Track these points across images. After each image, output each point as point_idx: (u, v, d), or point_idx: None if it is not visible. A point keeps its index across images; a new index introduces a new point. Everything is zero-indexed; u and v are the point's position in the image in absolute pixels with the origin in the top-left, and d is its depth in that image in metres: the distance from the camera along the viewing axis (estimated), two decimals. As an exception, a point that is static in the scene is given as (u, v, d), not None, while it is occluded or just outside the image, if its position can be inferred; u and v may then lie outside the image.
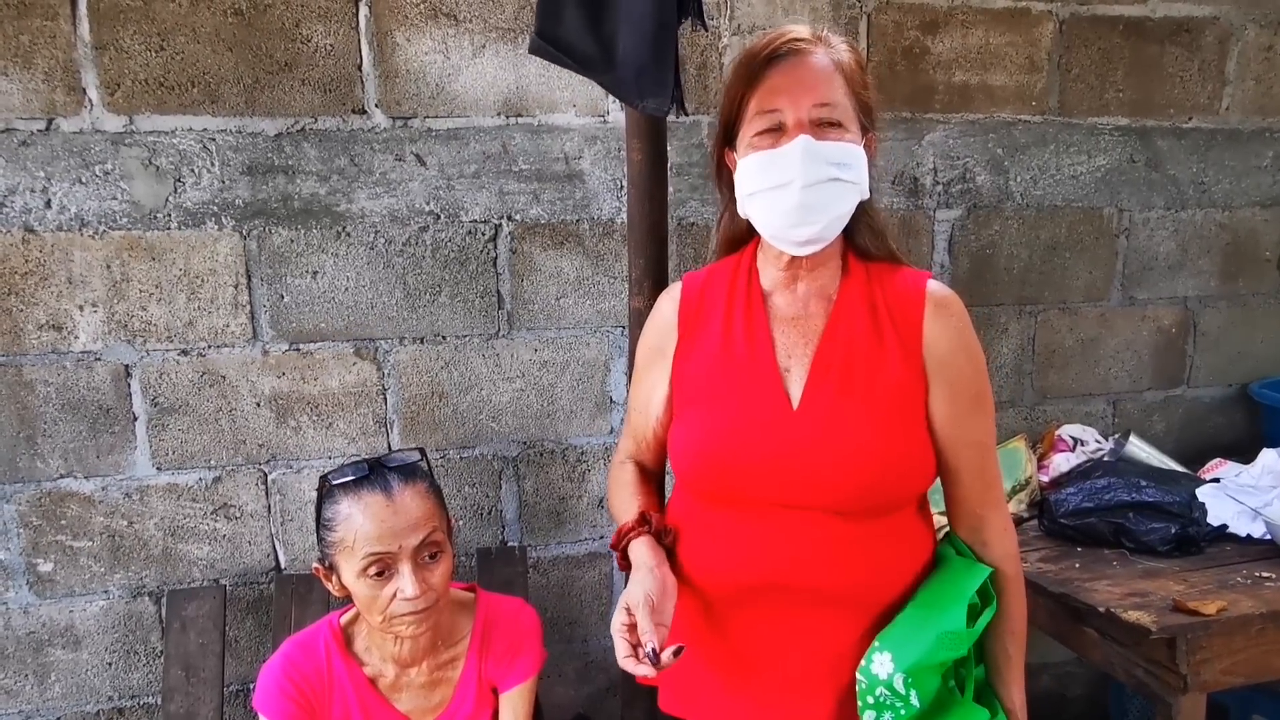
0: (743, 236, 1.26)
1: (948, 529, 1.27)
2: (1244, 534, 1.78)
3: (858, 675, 1.13)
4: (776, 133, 1.10)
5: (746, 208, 1.17)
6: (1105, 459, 2.05)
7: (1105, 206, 2.22)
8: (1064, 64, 2.12)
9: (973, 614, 1.14)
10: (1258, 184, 2.31)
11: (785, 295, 1.20)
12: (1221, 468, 2.08)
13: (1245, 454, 2.11)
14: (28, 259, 1.65)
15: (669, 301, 1.28)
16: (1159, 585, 1.60)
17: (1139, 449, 2.09)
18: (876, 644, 1.13)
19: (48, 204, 1.64)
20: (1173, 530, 1.72)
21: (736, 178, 1.17)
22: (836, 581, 1.13)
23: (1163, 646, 1.49)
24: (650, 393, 1.27)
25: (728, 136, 1.19)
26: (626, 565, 1.19)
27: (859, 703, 1.13)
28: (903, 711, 1.10)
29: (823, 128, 1.09)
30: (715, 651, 1.22)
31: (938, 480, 1.21)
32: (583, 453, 2.00)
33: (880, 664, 1.11)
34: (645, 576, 1.12)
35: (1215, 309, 2.36)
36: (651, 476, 1.36)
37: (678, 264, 1.90)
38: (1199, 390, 2.40)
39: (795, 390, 1.15)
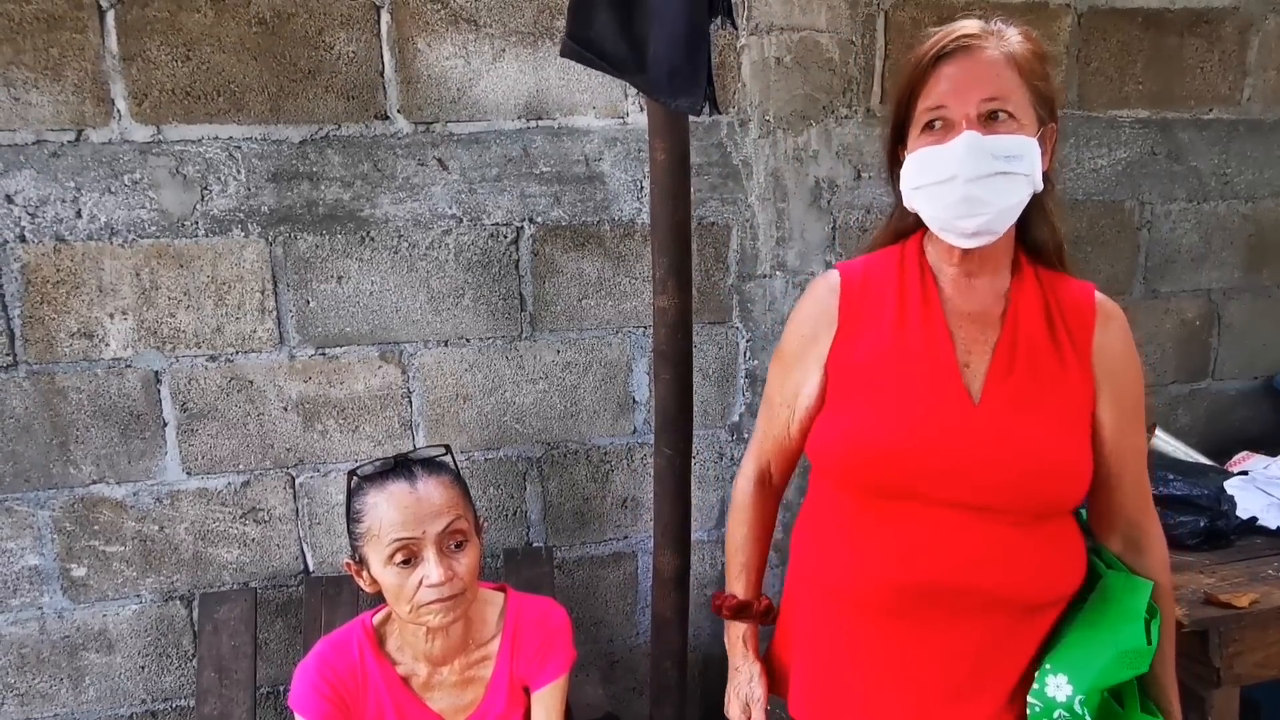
0: (909, 231, 1.24)
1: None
2: (1274, 526, 1.78)
3: (1030, 699, 1.10)
4: (943, 130, 1.09)
5: (912, 201, 1.15)
6: (1131, 453, 2.04)
7: (1127, 199, 2.21)
8: (1083, 57, 2.11)
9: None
10: (1281, 174, 2.30)
11: (960, 289, 1.17)
12: (1249, 460, 2.07)
13: (1272, 446, 2.10)
14: (59, 268, 1.67)
15: (827, 290, 1.23)
16: (1189, 579, 1.59)
17: (1165, 442, 2.08)
18: (1048, 666, 1.11)
19: (78, 214, 1.66)
20: (1201, 523, 1.71)
21: (902, 172, 1.15)
22: (1006, 586, 1.10)
23: (1195, 640, 1.48)
24: (800, 382, 1.23)
25: (899, 135, 1.17)
26: (727, 611, 1.35)
27: None
28: None
29: (991, 121, 1.07)
30: (864, 660, 1.17)
31: None
32: (606, 453, 2.01)
33: (1056, 686, 1.09)
34: (756, 675, 1.33)
35: (1239, 301, 2.34)
36: (773, 495, 1.35)
37: (698, 263, 1.91)
38: (1224, 383, 2.38)
39: (975, 386, 1.12)
